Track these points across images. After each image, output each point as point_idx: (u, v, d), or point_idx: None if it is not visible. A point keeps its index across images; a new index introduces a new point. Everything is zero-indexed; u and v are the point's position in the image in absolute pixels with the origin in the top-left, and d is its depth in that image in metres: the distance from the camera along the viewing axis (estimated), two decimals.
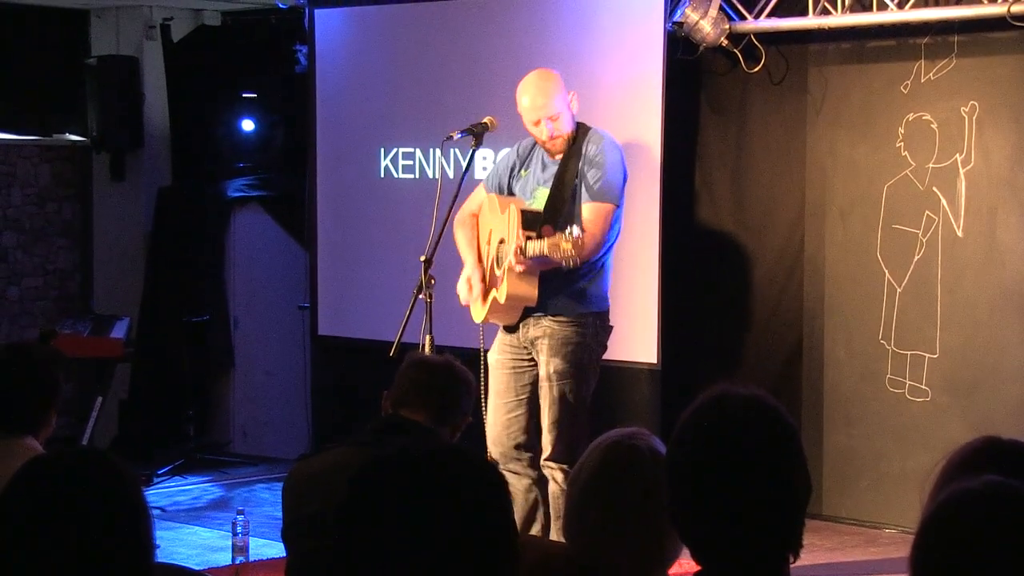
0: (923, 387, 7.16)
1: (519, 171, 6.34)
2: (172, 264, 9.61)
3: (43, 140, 9.90)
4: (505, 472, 6.06)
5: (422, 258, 6.08)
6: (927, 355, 7.15)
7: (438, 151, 7.80)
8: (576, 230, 5.73)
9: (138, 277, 9.68)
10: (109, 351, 9.01)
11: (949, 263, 7.06)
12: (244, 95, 9.63)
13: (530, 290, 6.07)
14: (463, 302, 6.30)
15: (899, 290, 7.22)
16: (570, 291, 6.11)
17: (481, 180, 6.61)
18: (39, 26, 9.77)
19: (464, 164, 6.44)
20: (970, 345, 7.04)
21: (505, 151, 6.41)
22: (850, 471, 7.41)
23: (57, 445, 4.15)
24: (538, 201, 6.19)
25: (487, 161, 7.48)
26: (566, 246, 5.68)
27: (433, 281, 6.07)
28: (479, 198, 6.42)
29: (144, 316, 9.57)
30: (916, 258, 7.15)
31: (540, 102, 6.13)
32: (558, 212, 6.07)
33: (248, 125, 9.61)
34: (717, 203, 7.72)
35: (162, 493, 8.48)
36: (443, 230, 6.19)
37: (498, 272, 6.16)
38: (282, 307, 9.45)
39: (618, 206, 6.11)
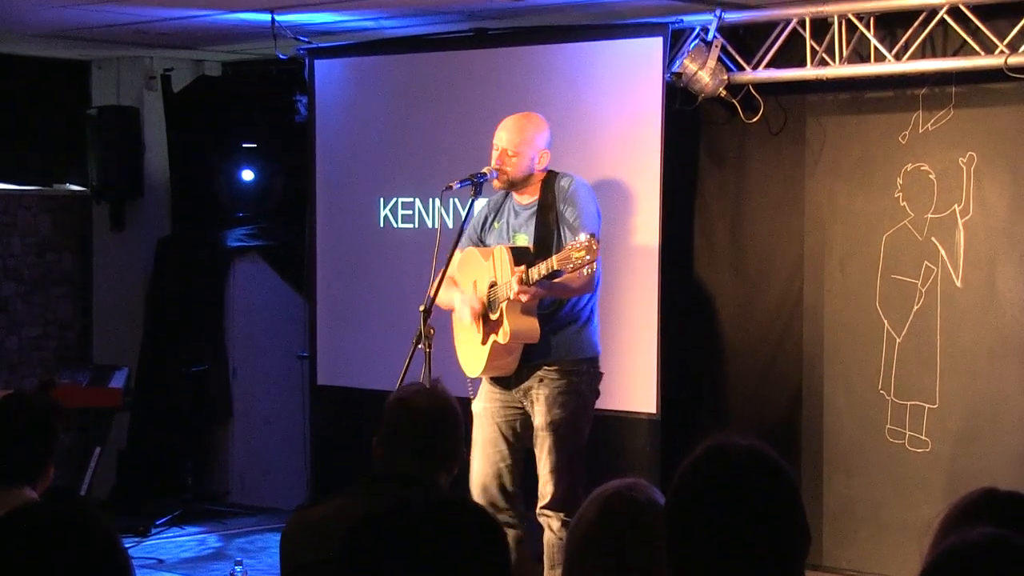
0: (923, 437, 7.14)
1: (492, 222, 6.34)
2: (171, 314, 9.61)
3: (44, 190, 9.92)
4: None
5: (421, 308, 6.05)
6: (927, 405, 7.13)
7: (437, 201, 7.81)
8: (583, 235, 5.66)
9: (137, 327, 9.68)
10: (108, 401, 9.00)
11: (948, 313, 7.06)
12: (244, 145, 9.64)
13: (533, 324, 6.01)
14: (467, 322, 6.16)
15: (898, 340, 7.21)
16: (562, 338, 6.09)
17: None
18: (40, 77, 9.81)
19: (463, 214, 6.43)
20: (970, 395, 7.03)
21: (481, 203, 6.41)
22: (850, 521, 7.38)
23: (53, 495, 4.12)
24: (520, 244, 6.18)
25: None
26: (577, 253, 5.61)
27: (432, 331, 6.04)
28: (456, 260, 6.33)
29: (143, 366, 9.56)
30: (915, 308, 7.15)
31: (505, 135, 6.23)
32: (547, 247, 6.02)
33: (248, 175, 9.62)
34: (716, 252, 7.73)
35: (160, 544, 8.45)
36: (442, 280, 6.18)
37: (493, 316, 6.12)
38: (281, 357, 9.44)
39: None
